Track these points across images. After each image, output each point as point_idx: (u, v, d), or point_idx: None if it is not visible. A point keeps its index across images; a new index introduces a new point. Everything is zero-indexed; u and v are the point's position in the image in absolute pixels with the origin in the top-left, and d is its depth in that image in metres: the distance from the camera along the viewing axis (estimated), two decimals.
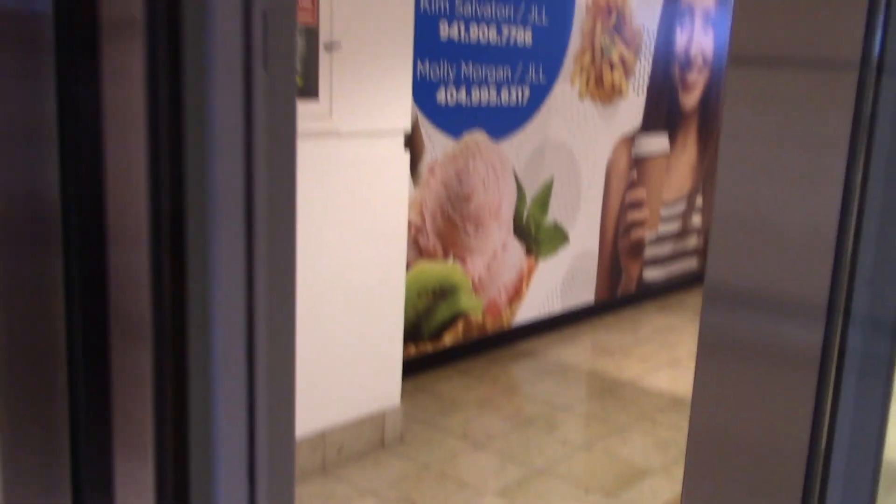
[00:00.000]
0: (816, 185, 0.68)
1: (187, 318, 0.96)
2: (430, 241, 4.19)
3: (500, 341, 4.74)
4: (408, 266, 3.99)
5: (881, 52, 0.63)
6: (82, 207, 1.10)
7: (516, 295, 4.77)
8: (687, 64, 5.71)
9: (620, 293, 5.57)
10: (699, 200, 6.17)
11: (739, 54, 0.69)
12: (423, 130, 4.05)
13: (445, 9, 4.05)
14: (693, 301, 5.92)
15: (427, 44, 3.99)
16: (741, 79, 0.69)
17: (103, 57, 0.99)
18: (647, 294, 5.84)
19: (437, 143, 4.13)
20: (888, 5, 0.63)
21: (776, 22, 0.67)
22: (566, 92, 4.78)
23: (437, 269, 4.27)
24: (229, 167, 0.94)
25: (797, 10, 0.67)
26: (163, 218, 0.96)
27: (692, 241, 6.19)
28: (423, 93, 4.00)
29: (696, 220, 6.19)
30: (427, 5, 3.96)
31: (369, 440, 3.51)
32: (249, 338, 0.99)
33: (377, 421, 3.54)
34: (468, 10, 4.16)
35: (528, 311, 4.86)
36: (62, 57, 1.03)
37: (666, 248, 5.93)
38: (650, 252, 5.77)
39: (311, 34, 3.05)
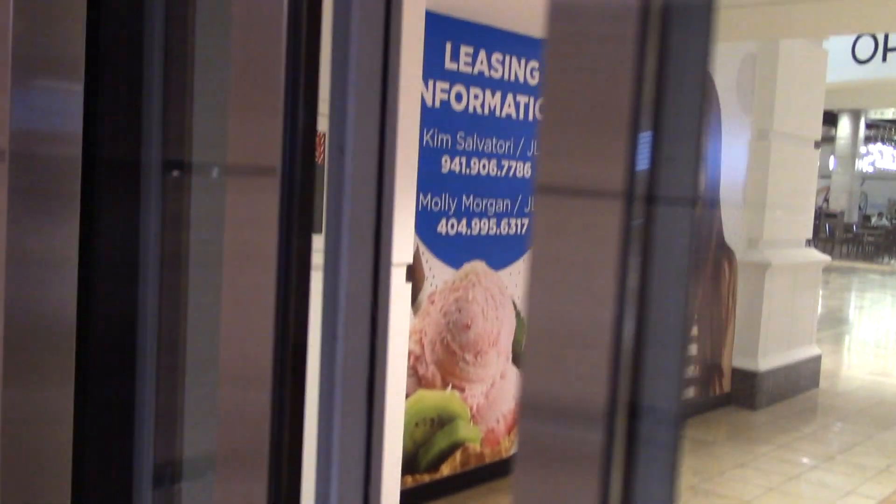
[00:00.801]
0: (595, 298, 0.76)
1: (302, 454, 0.99)
2: (429, 370, 4.20)
3: (498, 471, 4.68)
4: (406, 395, 3.98)
5: (649, 184, 0.73)
6: (179, 342, 1.14)
7: (515, 424, 4.74)
8: None
9: None
10: (696, 329, 6.21)
11: (541, 184, 0.78)
12: (423, 260, 4.11)
13: (448, 143, 4.18)
14: (692, 431, 5.88)
15: (429, 177, 4.10)
16: (542, 205, 0.78)
17: (228, 198, 1.05)
18: None
19: (437, 272, 4.19)
20: (654, 146, 0.73)
21: (566, 156, 0.77)
22: None
23: (436, 398, 4.25)
24: (356, 306, 0.99)
25: (580, 147, 0.77)
26: (287, 357, 1.00)
27: (689, 370, 6.19)
28: (424, 224, 4.09)
29: (693, 348, 6.21)
30: (430, 140, 4.09)
31: None
32: (366, 479, 1.01)
33: None
34: (470, 144, 4.29)
35: None
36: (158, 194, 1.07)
37: None
38: None
39: (319, 172, 3.14)
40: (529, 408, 0.78)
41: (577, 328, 0.75)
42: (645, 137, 0.73)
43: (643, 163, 0.74)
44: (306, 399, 1.03)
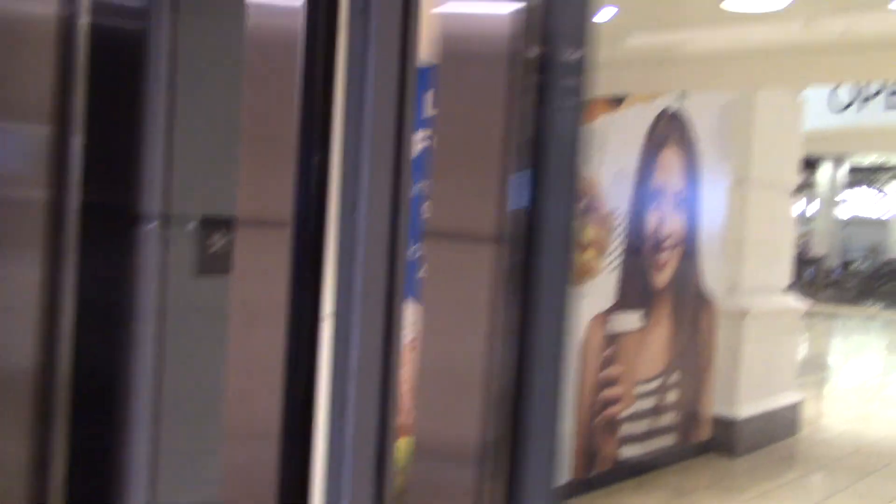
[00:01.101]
0: (470, 340, 0.80)
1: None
2: (410, 417, 4.18)
3: None
4: None
5: (527, 227, 0.78)
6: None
7: None
8: (659, 242, 5.91)
9: (595, 472, 5.52)
10: (675, 376, 6.22)
11: (430, 230, 0.83)
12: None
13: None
14: (671, 479, 5.86)
15: (409, 224, 4.12)
16: (431, 248, 0.83)
17: (238, 252, 1.06)
18: (623, 473, 5.78)
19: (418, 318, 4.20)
20: (530, 191, 0.78)
21: (452, 206, 0.82)
22: None
23: None
24: (366, 378, 1.01)
25: (456, 193, 0.82)
26: (297, 410, 1.01)
27: (668, 418, 6.20)
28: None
29: (673, 396, 6.22)
30: None
31: None
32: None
33: None
34: None
35: None
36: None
37: (642, 426, 5.92)
38: (626, 430, 5.76)
39: None
40: (421, 449, 0.80)
41: (454, 367, 0.78)
42: (519, 182, 0.77)
43: (517, 206, 0.77)
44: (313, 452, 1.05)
